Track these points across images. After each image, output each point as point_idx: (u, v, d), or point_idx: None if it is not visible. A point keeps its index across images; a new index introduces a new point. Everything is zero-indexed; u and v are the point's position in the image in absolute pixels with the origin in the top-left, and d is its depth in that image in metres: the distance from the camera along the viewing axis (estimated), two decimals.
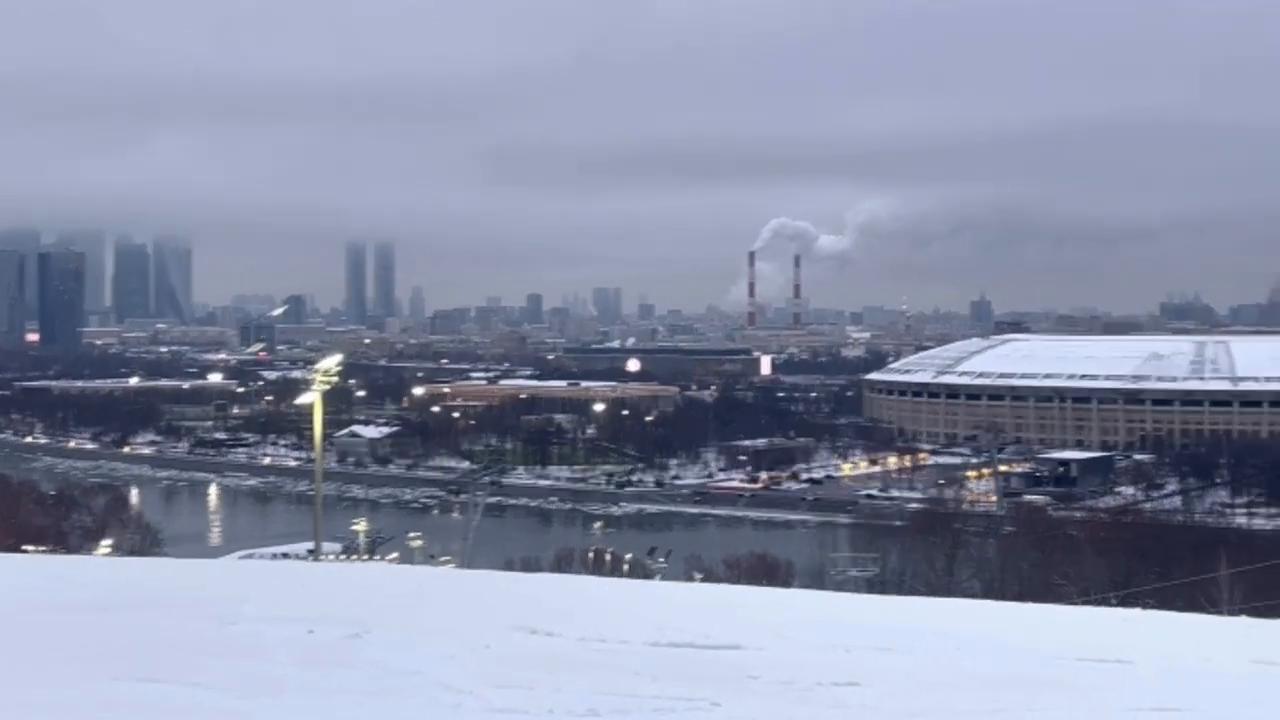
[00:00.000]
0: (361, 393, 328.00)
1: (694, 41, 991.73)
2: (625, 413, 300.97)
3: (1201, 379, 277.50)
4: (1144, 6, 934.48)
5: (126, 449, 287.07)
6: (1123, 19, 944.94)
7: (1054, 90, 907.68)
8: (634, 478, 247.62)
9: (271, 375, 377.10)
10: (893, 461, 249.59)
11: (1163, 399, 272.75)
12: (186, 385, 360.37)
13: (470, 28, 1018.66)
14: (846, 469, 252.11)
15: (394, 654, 11.21)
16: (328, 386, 52.66)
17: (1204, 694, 10.06)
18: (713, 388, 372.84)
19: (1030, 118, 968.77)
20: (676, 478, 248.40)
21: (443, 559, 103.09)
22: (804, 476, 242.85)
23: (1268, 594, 54.45)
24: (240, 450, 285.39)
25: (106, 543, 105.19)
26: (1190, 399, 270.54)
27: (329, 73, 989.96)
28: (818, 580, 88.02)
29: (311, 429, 60.66)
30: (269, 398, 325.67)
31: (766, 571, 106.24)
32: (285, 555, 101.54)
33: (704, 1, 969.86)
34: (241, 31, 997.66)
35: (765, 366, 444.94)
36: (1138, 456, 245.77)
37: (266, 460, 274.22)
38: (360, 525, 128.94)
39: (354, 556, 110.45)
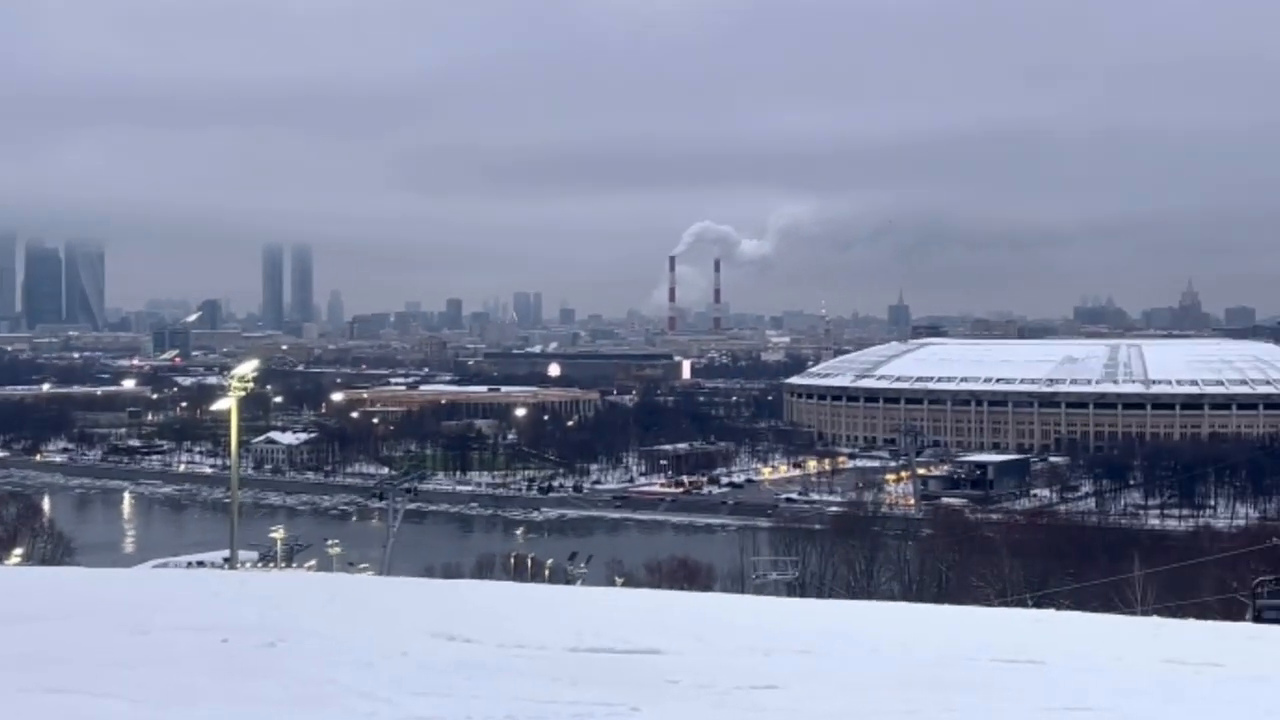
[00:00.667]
0: (279, 399, 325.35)
1: (615, 47, 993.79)
2: (546, 418, 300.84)
3: (1115, 382, 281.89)
4: (1059, 13, 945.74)
5: (38, 457, 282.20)
6: (1039, 25, 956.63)
7: (972, 95, 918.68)
8: (555, 483, 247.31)
9: (186, 381, 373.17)
10: (812, 465, 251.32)
11: (1077, 402, 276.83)
12: (99, 392, 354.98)
13: (392, 32, 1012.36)
14: (767, 473, 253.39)
15: (309, 662, 11.09)
16: (244, 392, 52.24)
17: (1115, 693, 10.18)
18: (633, 392, 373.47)
19: (948, 122, 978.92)
20: (597, 482, 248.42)
21: (361, 566, 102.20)
22: (724, 480, 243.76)
23: (1179, 594, 55.44)
24: (155, 457, 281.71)
25: (17, 552, 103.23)
26: (1104, 402, 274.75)
27: (248, 76, 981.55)
28: (738, 584, 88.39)
29: (227, 435, 60.05)
30: (184, 404, 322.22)
31: (687, 575, 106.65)
32: (201, 564, 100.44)
33: (626, 7, 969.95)
34: (158, 34, 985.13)
35: (686, 371, 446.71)
36: (1053, 459, 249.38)
37: (182, 467, 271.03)
38: (278, 533, 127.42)
39: (271, 564, 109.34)
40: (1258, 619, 18.75)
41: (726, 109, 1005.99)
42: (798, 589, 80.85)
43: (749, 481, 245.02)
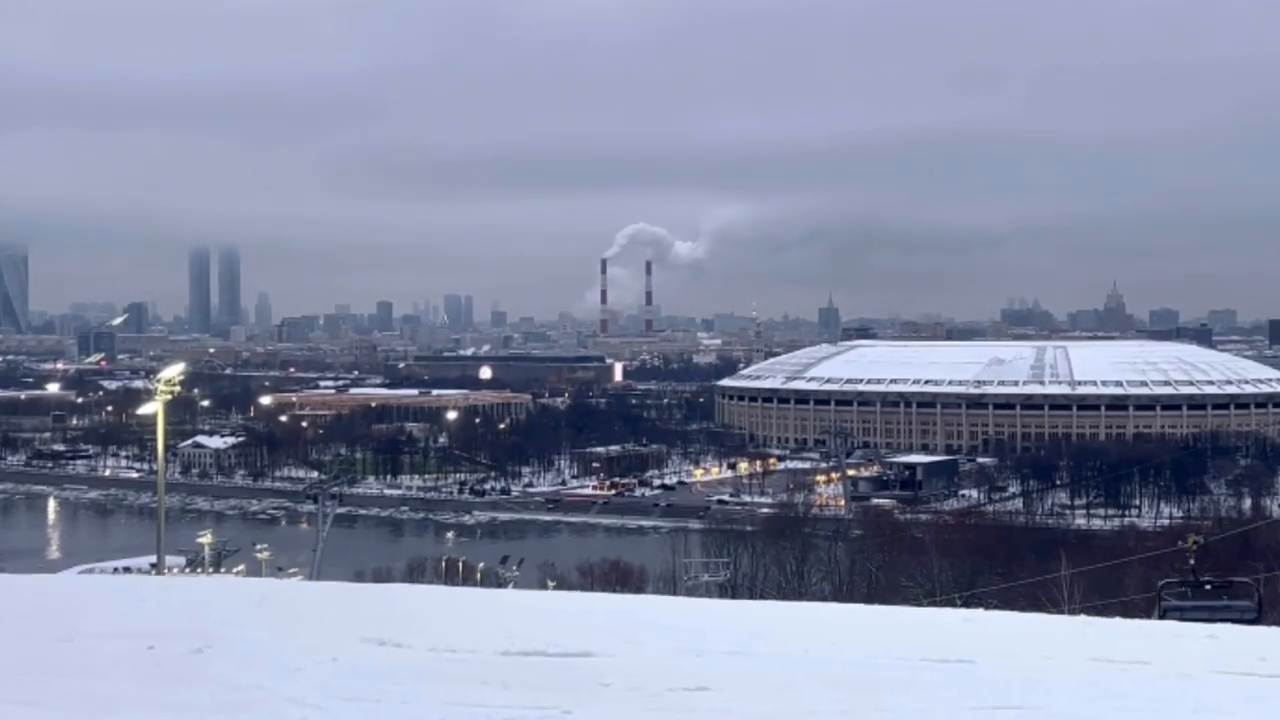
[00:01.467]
0: (206, 402, 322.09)
1: (555, 51, 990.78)
2: (477, 421, 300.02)
3: (1041, 383, 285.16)
4: (990, 18, 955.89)
5: None
6: (970, 30, 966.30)
7: (905, 100, 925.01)
8: (486, 486, 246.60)
9: (112, 385, 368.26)
10: (744, 467, 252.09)
11: (1004, 403, 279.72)
12: (23, 395, 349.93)
13: (330, 35, 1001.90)
14: (699, 475, 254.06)
15: (237, 668, 10.97)
16: (170, 396, 51.69)
17: (1043, 692, 10.29)
18: (565, 395, 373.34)
19: (882, 126, 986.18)
20: (529, 485, 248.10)
21: (291, 571, 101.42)
22: (656, 483, 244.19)
23: (1105, 592, 56.17)
24: (80, 462, 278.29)
25: None
26: (1030, 403, 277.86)
27: (185, 77, 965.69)
28: (671, 586, 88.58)
29: (154, 439, 59.36)
30: (109, 408, 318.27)
31: (620, 578, 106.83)
32: (127, 569, 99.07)
33: (566, 12, 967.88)
34: (87, 33, 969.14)
35: (618, 373, 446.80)
36: (981, 459, 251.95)
37: (107, 472, 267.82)
38: (205, 538, 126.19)
39: (199, 570, 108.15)
40: (1162, 619, 19.16)
41: (664, 112, 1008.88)
42: (729, 590, 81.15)
43: (681, 483, 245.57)
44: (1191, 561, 24.05)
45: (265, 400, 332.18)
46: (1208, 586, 22.11)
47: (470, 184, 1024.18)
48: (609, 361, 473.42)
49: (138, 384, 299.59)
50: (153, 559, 74.57)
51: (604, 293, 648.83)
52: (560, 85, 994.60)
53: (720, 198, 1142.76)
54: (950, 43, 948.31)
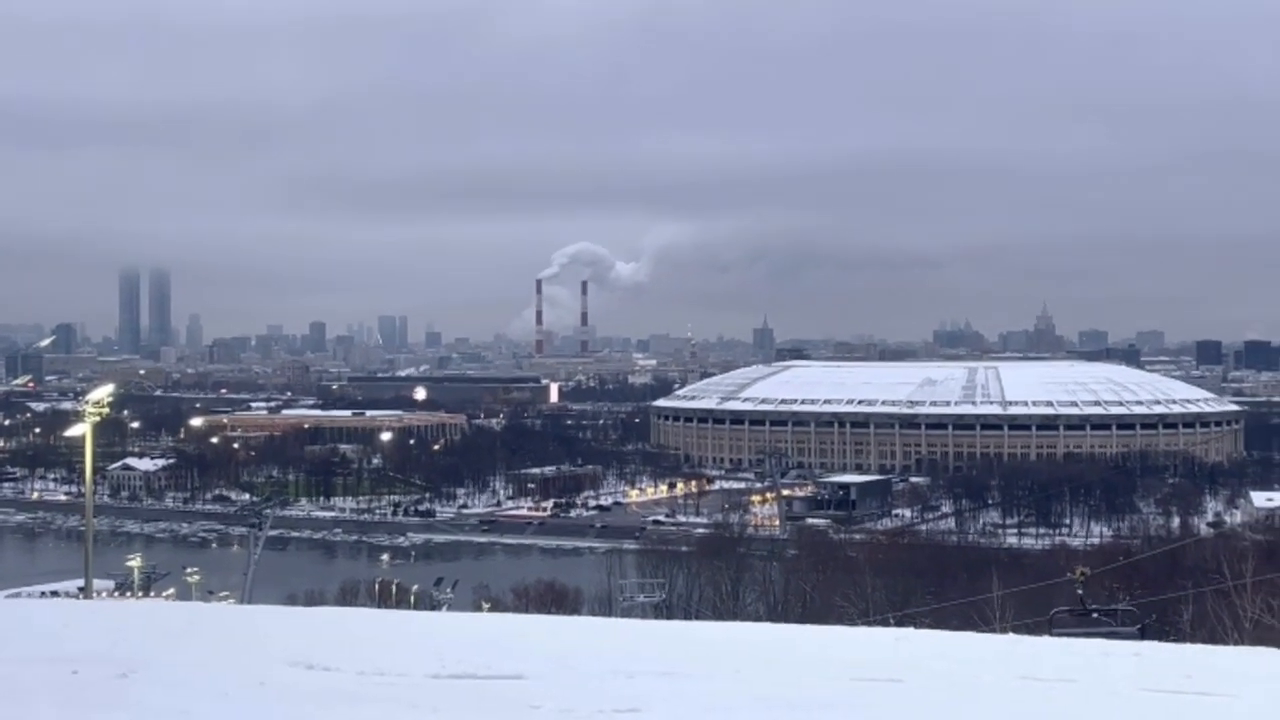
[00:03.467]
0: (136, 424, 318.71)
1: (504, 72, 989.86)
2: (412, 442, 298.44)
3: (973, 403, 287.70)
4: (932, 46, 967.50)
5: None
6: (915, 57, 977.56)
7: (851, 124, 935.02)
8: (421, 507, 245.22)
9: (40, 407, 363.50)
10: (679, 487, 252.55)
11: (936, 423, 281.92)
12: None
13: (277, 57, 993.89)
14: (634, 495, 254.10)
15: (162, 694, 10.80)
16: (99, 418, 51.20)
17: (972, 710, 10.34)
18: (501, 416, 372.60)
19: (828, 149, 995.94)
20: (464, 506, 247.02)
21: (222, 594, 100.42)
22: (592, 503, 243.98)
23: (1036, 611, 56.60)
24: (7, 485, 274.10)
25: None
26: (962, 423, 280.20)
27: (128, 98, 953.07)
28: (606, 607, 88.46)
29: (83, 462, 58.63)
30: (37, 430, 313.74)
31: (555, 599, 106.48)
32: (54, 593, 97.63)
33: (517, 34, 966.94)
34: (24, 52, 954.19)
35: (553, 394, 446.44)
36: (914, 479, 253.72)
37: (35, 495, 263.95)
38: (135, 561, 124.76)
39: (128, 593, 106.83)
40: None
41: (611, 134, 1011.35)
42: (665, 611, 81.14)
43: (616, 504, 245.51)
44: (1080, 590, 25.02)
45: (196, 422, 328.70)
46: (1095, 614, 23.07)
47: (411, 205, 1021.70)
48: (544, 382, 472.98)
49: (66, 405, 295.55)
50: (81, 582, 73.60)
51: (539, 313, 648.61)
52: (509, 107, 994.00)
53: (663, 219, 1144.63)
54: (893, 68, 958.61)
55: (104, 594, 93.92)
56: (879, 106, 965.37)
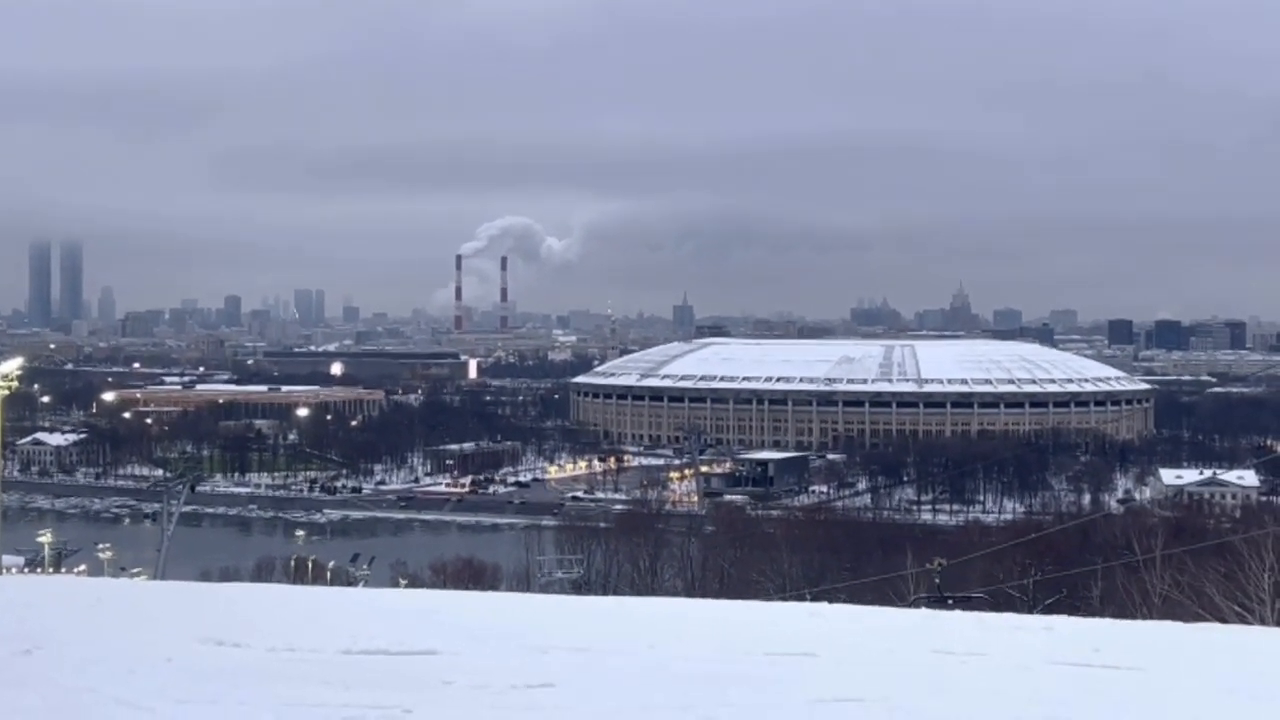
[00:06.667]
0: (46, 398, 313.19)
1: (452, 52, 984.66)
2: (329, 418, 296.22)
3: (889, 381, 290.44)
4: (868, 32, 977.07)
5: None
6: (851, 43, 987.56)
7: (788, 107, 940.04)
8: (338, 484, 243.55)
9: None
10: (598, 464, 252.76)
11: (853, 400, 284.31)
12: None
13: (220, 29, 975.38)
14: (553, 471, 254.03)
15: (67, 671, 10.64)
16: (7, 392, 50.21)
17: (885, 683, 10.41)
18: (419, 392, 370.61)
19: (766, 132, 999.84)
20: (382, 483, 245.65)
21: (134, 571, 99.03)
22: (511, 480, 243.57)
23: (950, 587, 57.27)
24: None
25: None
26: (879, 400, 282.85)
27: (66, 69, 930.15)
28: (524, 583, 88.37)
29: None
30: None
31: (473, 576, 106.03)
32: None
33: (468, 16, 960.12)
34: None
35: (472, 370, 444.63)
36: (830, 456, 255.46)
37: None
38: (45, 537, 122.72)
39: (38, 570, 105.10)
40: None
41: (554, 115, 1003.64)
42: (583, 587, 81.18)
43: (535, 480, 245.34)
44: (937, 580, 26.74)
45: (108, 396, 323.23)
46: (950, 603, 24.73)
47: (340, 182, 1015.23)
48: (464, 358, 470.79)
49: None
50: None
51: (459, 289, 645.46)
52: (454, 87, 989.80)
53: (597, 198, 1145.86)
54: (823, 52, 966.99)
55: (14, 570, 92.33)
56: (811, 89, 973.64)
